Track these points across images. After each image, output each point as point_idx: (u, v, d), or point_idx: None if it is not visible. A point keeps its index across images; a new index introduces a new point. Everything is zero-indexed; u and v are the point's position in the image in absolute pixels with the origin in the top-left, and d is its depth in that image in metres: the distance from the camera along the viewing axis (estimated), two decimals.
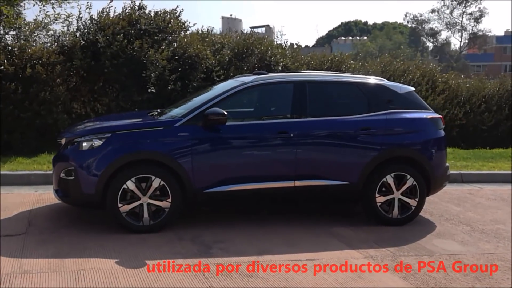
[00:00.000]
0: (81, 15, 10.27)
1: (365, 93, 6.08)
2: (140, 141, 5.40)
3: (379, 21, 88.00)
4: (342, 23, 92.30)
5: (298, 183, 5.73)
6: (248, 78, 6.04)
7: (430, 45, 69.80)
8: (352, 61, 13.77)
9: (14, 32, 10.14)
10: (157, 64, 9.97)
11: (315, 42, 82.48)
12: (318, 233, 5.65)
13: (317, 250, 5.12)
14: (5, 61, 8.89)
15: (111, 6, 10.54)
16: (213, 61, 10.85)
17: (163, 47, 10.38)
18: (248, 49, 11.79)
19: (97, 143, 5.33)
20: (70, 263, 4.53)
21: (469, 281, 4.53)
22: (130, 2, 10.81)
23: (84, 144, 5.36)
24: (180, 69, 10.51)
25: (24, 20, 11.01)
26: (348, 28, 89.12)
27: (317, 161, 5.78)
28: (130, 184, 5.30)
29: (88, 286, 4.08)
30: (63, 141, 5.67)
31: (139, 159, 5.37)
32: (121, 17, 10.35)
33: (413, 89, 6.48)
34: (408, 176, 5.99)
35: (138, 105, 10.13)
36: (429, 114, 6.25)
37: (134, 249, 4.93)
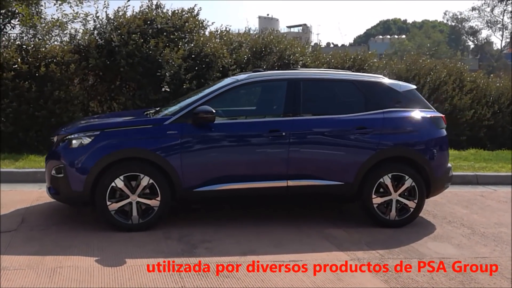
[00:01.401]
0: (98, 14, 10.43)
1: (363, 91, 5.92)
2: (128, 139, 5.40)
3: (419, 20, 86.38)
4: (380, 21, 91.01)
5: (290, 182, 5.62)
6: (242, 76, 5.97)
7: (471, 44, 68.17)
8: (375, 60, 13.48)
9: (30, 31, 10.35)
10: (172, 63, 10.01)
11: (352, 41, 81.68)
12: (309, 234, 5.53)
13: (304, 251, 5.01)
14: (19, 59, 9.07)
15: (128, 5, 10.66)
16: (230, 60, 10.81)
17: (180, 45, 10.42)
18: (266, 48, 11.73)
19: (86, 140, 5.35)
20: (50, 260, 4.55)
21: (453, 285, 4.33)
22: (147, 1, 10.93)
23: (74, 141, 5.39)
24: (196, 68, 10.52)
25: (45, 18, 11.25)
26: (386, 27, 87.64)
27: (310, 161, 5.65)
28: (119, 182, 5.30)
29: (61, 283, 4.09)
30: (55, 138, 5.73)
31: (127, 157, 5.36)
32: (137, 16, 10.44)
33: (414, 87, 6.28)
34: (407, 177, 5.80)
35: (154, 104, 10.14)
36: (430, 113, 6.05)
37: (118, 248, 4.92)
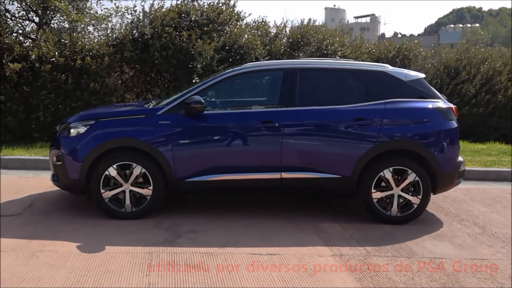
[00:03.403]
0: (135, 8, 10.69)
1: (364, 81, 5.65)
2: (121, 129, 5.47)
3: (495, 7, 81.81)
4: (453, 9, 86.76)
5: (284, 175, 5.49)
6: (239, 67, 5.89)
7: None
8: (421, 49, 12.92)
9: (68, 26, 10.78)
10: (205, 55, 10.08)
11: (422, 31, 78.61)
12: (301, 228, 5.38)
13: (287, 245, 4.87)
14: (56, 53, 9.46)
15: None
16: (263, 51, 10.73)
17: (215, 37, 10.46)
18: (303, 38, 11.56)
19: (82, 129, 5.49)
20: (35, 244, 4.71)
21: (433, 286, 4.06)
22: None
23: (72, 130, 5.55)
24: (230, 59, 10.55)
25: (89, 12, 11.66)
26: (460, 15, 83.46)
27: (305, 153, 5.49)
28: (112, 171, 5.40)
29: (34, 266, 4.20)
30: (58, 127, 5.92)
31: (120, 146, 5.44)
32: (172, 9, 10.59)
33: (422, 76, 5.91)
34: (409, 171, 5.50)
35: None
36: (437, 104, 5.67)
37: (105, 235, 5.01)
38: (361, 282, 4.11)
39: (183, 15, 10.63)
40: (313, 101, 5.60)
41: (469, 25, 67.47)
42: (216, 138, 5.49)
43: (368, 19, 68.20)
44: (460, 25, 70.06)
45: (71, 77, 9.54)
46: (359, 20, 69.76)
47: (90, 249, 4.64)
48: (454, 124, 5.70)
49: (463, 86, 12.24)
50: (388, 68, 5.84)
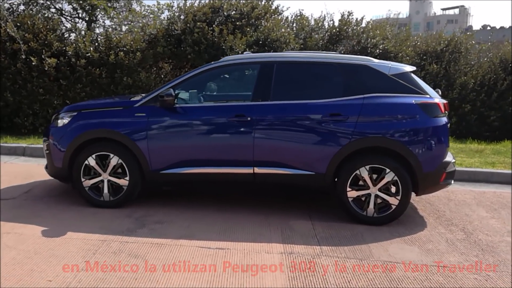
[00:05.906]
0: (172, 4, 10.96)
1: (343, 74, 5.43)
2: (99, 120, 5.65)
3: None
4: None
5: (257, 170, 5.41)
6: (219, 60, 5.88)
7: None
8: (473, 41, 12.13)
9: (109, 23, 11.28)
10: (236, 49, 10.14)
11: None
12: (269, 224, 5.29)
13: (243, 240, 4.81)
14: (91, 49, 9.93)
15: None
16: (296, 46, 10.60)
17: (248, 31, 10.47)
18: (341, 31, 11.28)
19: (67, 120, 5.75)
20: (7, 226, 4.99)
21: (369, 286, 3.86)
22: None
23: (59, 121, 5.83)
24: None
25: (135, 9, 12.12)
26: None
27: (277, 148, 5.37)
28: (91, 161, 5.61)
29: None
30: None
31: (98, 137, 5.63)
32: (205, 5, 10.74)
33: (410, 69, 5.54)
34: (387, 170, 5.22)
35: None
36: (421, 99, 5.31)
37: (74, 221, 5.21)
38: (292, 282, 3.97)
39: (218, 9, 10.73)
40: (289, 95, 5.46)
41: None
42: (188, 131, 5.52)
43: (456, 10, 64.88)
44: None
45: (105, 72, 9.96)
46: (447, 12, 66.55)
47: (52, 233, 4.85)
48: (441, 121, 5.32)
49: None
50: (372, 61, 5.55)
